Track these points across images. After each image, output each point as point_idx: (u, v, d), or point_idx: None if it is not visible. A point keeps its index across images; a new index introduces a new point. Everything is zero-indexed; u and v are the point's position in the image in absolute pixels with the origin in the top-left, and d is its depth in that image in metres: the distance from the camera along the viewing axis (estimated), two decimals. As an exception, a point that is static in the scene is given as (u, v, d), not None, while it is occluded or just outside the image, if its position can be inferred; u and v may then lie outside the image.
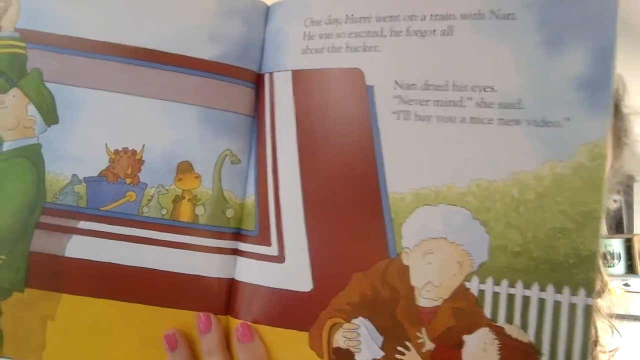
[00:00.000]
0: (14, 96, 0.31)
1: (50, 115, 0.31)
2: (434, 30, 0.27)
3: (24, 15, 0.31)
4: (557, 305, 0.26)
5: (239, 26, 0.31)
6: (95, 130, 0.31)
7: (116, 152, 0.31)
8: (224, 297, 0.32)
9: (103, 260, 0.31)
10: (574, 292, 0.25)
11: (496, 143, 0.26)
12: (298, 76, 0.31)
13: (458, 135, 0.27)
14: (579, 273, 0.25)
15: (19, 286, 0.31)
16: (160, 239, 0.31)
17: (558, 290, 0.26)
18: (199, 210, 0.31)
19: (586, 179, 0.25)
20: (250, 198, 0.32)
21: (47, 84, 0.30)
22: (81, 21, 0.30)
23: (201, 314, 0.31)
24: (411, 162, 0.28)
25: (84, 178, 0.31)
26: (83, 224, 0.31)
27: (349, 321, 0.29)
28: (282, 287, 0.30)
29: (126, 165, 0.31)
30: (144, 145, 0.31)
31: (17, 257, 0.31)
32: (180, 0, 0.31)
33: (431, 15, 0.27)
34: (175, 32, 0.31)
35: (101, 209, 0.31)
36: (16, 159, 0.31)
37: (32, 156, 0.31)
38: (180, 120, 0.31)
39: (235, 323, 0.31)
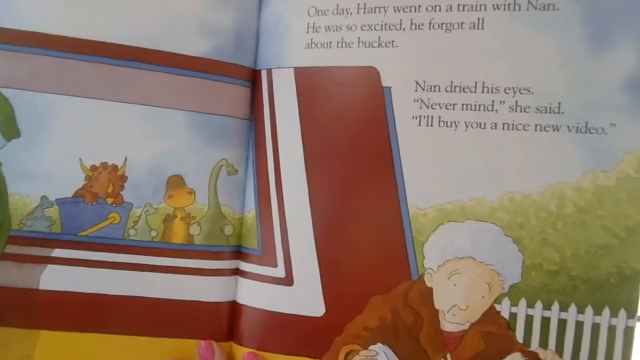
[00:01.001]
0: (-39, 106, 0.26)
1: (8, 127, 0.26)
2: (461, 23, 0.24)
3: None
4: (595, 327, 0.24)
5: (231, 15, 0.27)
6: (66, 143, 0.26)
7: (93, 168, 0.27)
8: (225, 322, 0.29)
9: (85, 292, 0.27)
10: (614, 314, 0.24)
11: (532, 151, 0.24)
12: (302, 74, 0.27)
13: (488, 143, 0.24)
14: (621, 293, 0.23)
15: (-11, 324, 0.27)
16: (151, 263, 0.27)
17: (597, 312, 0.24)
18: (194, 230, 0.28)
19: (632, 191, 0.23)
20: (251, 212, 0.29)
21: (2, 90, 0.26)
22: (43, 14, 0.25)
23: (202, 342, 0.28)
24: (434, 174, 0.25)
25: (57, 200, 0.26)
26: (58, 252, 0.27)
27: (366, 347, 0.26)
28: (291, 312, 0.27)
29: (106, 182, 0.27)
30: (125, 159, 0.27)
31: (-16, 292, 0.27)
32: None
33: (458, 5, 0.24)
34: (157, 26, 0.26)
35: (79, 234, 0.27)
36: (-28, 179, 0.26)
37: (-9, 176, 0.26)
38: (167, 128, 0.27)
39: (239, 350, 0.29)
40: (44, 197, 0.27)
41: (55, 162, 0.26)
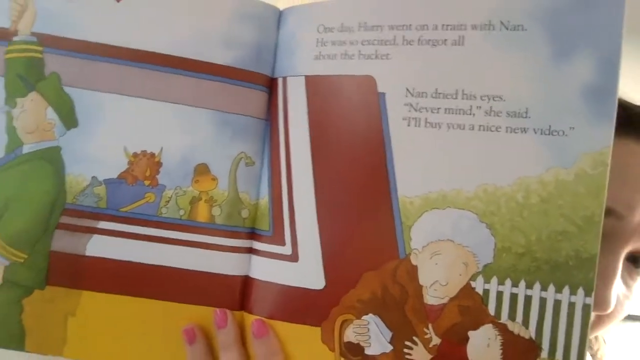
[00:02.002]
0: (32, 100, 0.31)
1: (69, 118, 0.31)
2: (445, 40, 0.28)
3: (40, 19, 0.32)
4: (557, 304, 0.27)
5: (253, 31, 0.32)
6: (114, 133, 0.31)
7: (135, 155, 0.32)
8: (238, 293, 0.33)
9: (123, 259, 0.32)
10: (573, 292, 0.27)
11: (503, 150, 0.27)
12: (311, 82, 0.31)
13: (467, 142, 0.28)
14: (579, 274, 0.27)
15: (40, 284, 0.32)
16: (178, 238, 0.32)
17: (558, 290, 0.27)
18: (216, 211, 0.32)
19: (588, 185, 0.26)
20: (264, 199, 0.33)
21: (66, 88, 0.31)
22: (98, 26, 0.31)
23: (217, 309, 0.32)
24: (421, 167, 0.29)
25: (104, 180, 0.32)
26: (103, 224, 0.32)
27: (359, 317, 0.30)
28: (295, 285, 0.31)
29: (145, 167, 0.32)
30: (162, 148, 0.32)
31: (38, 257, 0.32)
32: (196, 6, 0.31)
33: (443, 25, 0.28)
34: (191, 38, 0.31)
35: (120, 209, 0.32)
36: (36, 161, 0.32)
37: (52, 158, 0.32)
38: (197, 124, 0.32)
39: (250, 319, 0.33)
40: (94, 177, 0.32)
41: (104, 149, 0.32)
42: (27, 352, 0.33)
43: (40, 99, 0.31)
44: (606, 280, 0.33)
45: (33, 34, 0.31)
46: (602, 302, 0.33)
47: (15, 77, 0.31)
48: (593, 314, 0.29)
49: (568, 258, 0.27)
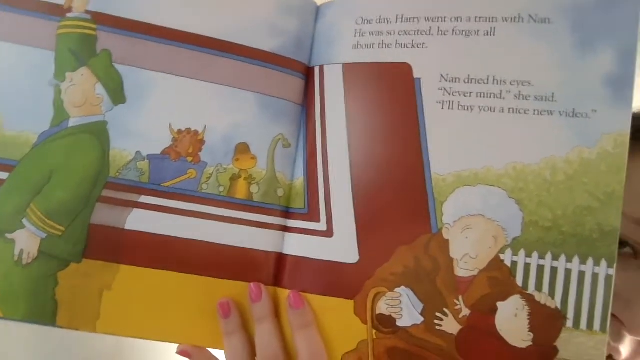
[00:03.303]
0: (82, 75, 0.32)
1: (117, 94, 0.33)
2: (477, 31, 0.31)
3: (95, -2, 0.33)
4: (581, 275, 0.29)
5: (294, 22, 0.34)
6: (160, 110, 0.33)
7: (179, 132, 0.33)
8: (272, 269, 0.34)
9: (162, 234, 0.33)
10: (597, 263, 0.29)
11: (531, 131, 0.30)
12: (349, 69, 0.34)
13: (497, 124, 0.30)
14: (602, 246, 0.29)
15: (77, 257, 0.33)
16: (217, 214, 0.33)
17: (583, 262, 0.29)
18: (254, 189, 0.34)
19: (610, 164, 0.29)
20: (299, 179, 0.35)
21: (116, 65, 0.33)
22: (151, 8, 0.33)
23: (252, 284, 0.33)
24: (453, 147, 0.31)
25: (148, 155, 0.33)
26: (144, 199, 0.33)
27: (391, 290, 0.32)
28: (330, 259, 0.33)
29: (188, 144, 0.33)
30: (205, 127, 0.33)
31: (77, 230, 0.33)
32: (245, -4, 0.33)
33: (475, 17, 0.31)
34: (239, 25, 0.33)
35: (162, 184, 0.33)
36: (82, 134, 0.33)
37: (98, 132, 0.33)
38: (240, 105, 0.33)
39: (283, 293, 0.34)
40: (138, 152, 0.33)
41: (150, 125, 0.33)
42: (58, 326, 0.33)
43: (90, 74, 0.32)
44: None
45: (87, 12, 0.32)
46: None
47: (66, 52, 0.32)
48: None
49: (592, 231, 0.29)
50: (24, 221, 0.32)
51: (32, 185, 0.32)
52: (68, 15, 0.32)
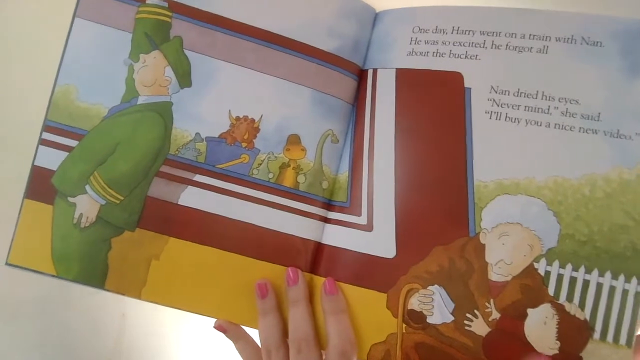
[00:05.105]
0: (154, 57, 0.35)
1: (185, 78, 0.35)
2: (531, 48, 0.32)
3: (172, -12, 0.36)
4: (612, 289, 0.30)
5: (353, 26, 0.36)
6: (222, 97, 0.35)
7: (237, 118, 0.35)
8: (310, 256, 0.36)
9: (211, 212, 0.35)
10: (627, 280, 0.30)
11: (574, 147, 0.31)
12: (402, 74, 0.35)
13: (542, 137, 0.32)
14: (634, 264, 0.30)
15: (132, 226, 0.35)
16: (264, 199, 0.35)
17: (614, 277, 0.30)
18: (301, 179, 0.35)
19: (649, 185, 0.30)
20: (344, 174, 0.36)
21: (186, 52, 0.35)
22: (223, 1, 0.35)
23: (290, 268, 0.35)
24: (498, 156, 0.32)
25: (206, 137, 0.35)
26: (199, 177, 0.35)
27: (425, 287, 0.33)
28: (367, 252, 0.34)
29: (244, 131, 0.35)
30: (261, 116, 0.35)
31: (134, 200, 0.35)
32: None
33: (530, 34, 0.32)
34: (302, 24, 0.35)
35: (217, 166, 0.35)
36: (148, 112, 0.35)
37: (163, 112, 0.35)
38: (295, 98, 0.35)
39: (318, 281, 0.35)
40: (197, 134, 0.35)
41: (211, 110, 0.35)
42: (106, 289, 0.35)
43: (161, 58, 0.35)
44: None
45: (164, 0, 0.35)
46: None
47: (142, 35, 0.35)
48: None
49: (625, 249, 0.30)
50: (87, 187, 0.35)
51: (97, 155, 0.35)
52: (147, 1, 0.35)
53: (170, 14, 0.35)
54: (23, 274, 0.35)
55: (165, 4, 0.35)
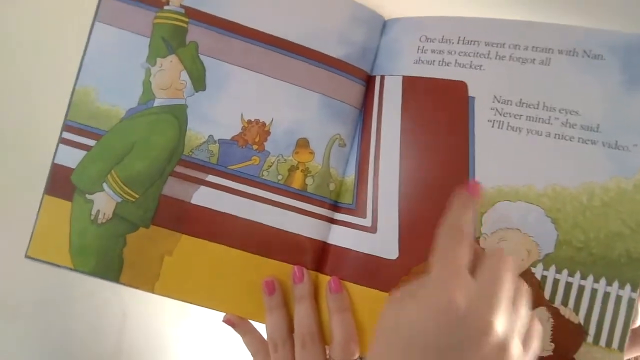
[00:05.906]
0: (171, 61, 0.36)
1: (199, 82, 0.36)
2: (533, 59, 0.33)
3: (191, -5, 0.37)
4: (606, 295, 0.31)
5: (362, 34, 0.38)
6: (234, 100, 0.36)
7: (249, 122, 0.37)
8: (316, 255, 0.37)
9: (222, 211, 0.36)
10: (621, 286, 0.31)
11: (573, 156, 0.32)
12: (408, 81, 0.37)
13: (542, 146, 0.33)
14: (628, 271, 0.31)
15: (146, 222, 0.37)
16: (273, 199, 0.37)
17: (609, 283, 0.31)
18: (309, 181, 0.37)
19: (645, 195, 0.31)
20: (350, 177, 0.38)
21: (201, 56, 0.36)
22: (238, 9, 0.36)
23: (296, 266, 0.37)
24: (498, 163, 0.34)
25: (219, 139, 0.36)
26: (211, 178, 0.37)
27: (425, 288, 0.34)
28: (371, 253, 0.36)
29: (255, 134, 0.37)
30: (272, 119, 0.37)
31: (149, 198, 0.37)
32: (321, 6, 0.37)
33: (533, 46, 0.33)
34: (313, 31, 0.37)
35: (228, 167, 0.37)
36: (164, 114, 0.36)
37: (178, 114, 0.36)
38: (304, 104, 0.37)
39: (323, 279, 0.37)
40: (210, 136, 0.37)
41: (224, 113, 0.37)
42: (121, 283, 0.37)
43: (177, 62, 0.36)
44: None
45: (182, 6, 0.36)
46: None
47: (159, 40, 0.36)
48: None
49: (620, 256, 0.31)
50: (104, 185, 0.36)
51: (115, 154, 0.36)
52: (165, 7, 0.36)
53: (186, 19, 0.36)
54: (23, 274, 0.36)
55: (182, 10, 0.36)
